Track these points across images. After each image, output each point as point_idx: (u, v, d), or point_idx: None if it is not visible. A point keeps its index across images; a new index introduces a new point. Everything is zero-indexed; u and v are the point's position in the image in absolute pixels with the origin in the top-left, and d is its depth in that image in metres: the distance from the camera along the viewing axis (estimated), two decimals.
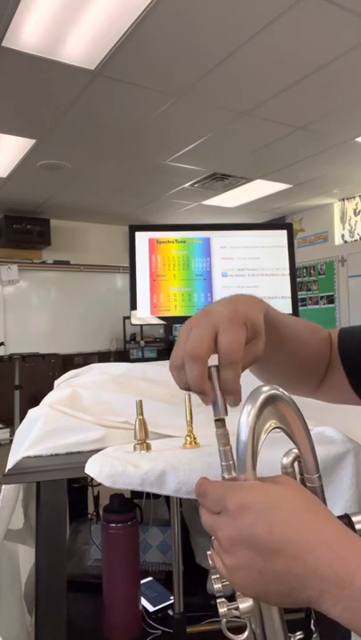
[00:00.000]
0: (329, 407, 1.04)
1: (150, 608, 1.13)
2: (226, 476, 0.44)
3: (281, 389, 0.44)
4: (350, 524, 0.41)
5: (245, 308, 0.49)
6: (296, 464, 0.45)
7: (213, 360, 0.46)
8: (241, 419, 0.42)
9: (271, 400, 0.43)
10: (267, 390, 0.43)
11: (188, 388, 0.47)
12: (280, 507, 0.38)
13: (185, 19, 2.46)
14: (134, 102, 3.33)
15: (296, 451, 0.45)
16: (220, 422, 0.46)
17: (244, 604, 0.42)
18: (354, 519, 0.42)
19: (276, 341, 0.58)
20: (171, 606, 1.13)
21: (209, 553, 0.43)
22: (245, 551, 0.37)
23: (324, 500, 0.45)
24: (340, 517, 0.42)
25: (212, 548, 0.42)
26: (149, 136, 3.92)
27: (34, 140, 3.93)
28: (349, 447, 0.77)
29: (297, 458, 0.45)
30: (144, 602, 1.14)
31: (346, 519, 0.42)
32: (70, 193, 5.43)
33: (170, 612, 1.11)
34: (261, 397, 0.43)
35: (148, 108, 3.42)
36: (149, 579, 1.24)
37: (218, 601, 0.43)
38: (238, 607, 0.42)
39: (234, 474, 0.44)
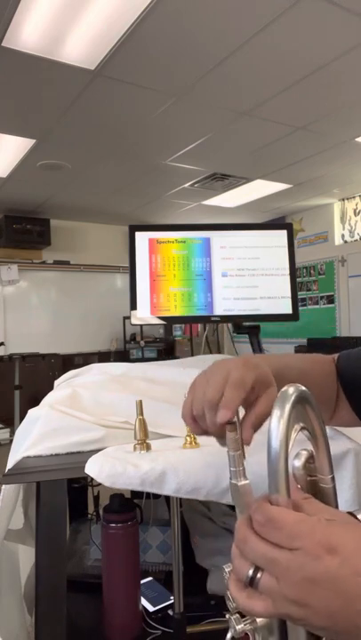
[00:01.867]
0: None
1: (150, 608, 1.13)
2: (236, 483, 0.43)
3: (305, 388, 0.44)
4: None
5: (256, 359, 0.56)
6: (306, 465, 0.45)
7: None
8: (271, 424, 0.41)
9: (300, 402, 0.43)
10: (294, 392, 0.42)
11: (205, 434, 0.52)
12: None
13: (185, 19, 2.46)
14: (134, 102, 3.33)
15: (305, 452, 0.45)
16: (231, 426, 0.46)
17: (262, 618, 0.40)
18: (359, 517, 0.41)
19: (283, 383, 0.61)
20: (171, 606, 1.13)
21: (238, 591, 0.40)
22: (325, 593, 0.36)
23: (336, 502, 0.45)
24: None
25: (239, 586, 0.40)
26: (149, 136, 3.92)
27: (34, 140, 3.93)
28: (349, 447, 0.77)
29: (309, 459, 0.44)
30: (144, 602, 1.14)
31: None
32: (70, 193, 5.43)
33: (170, 612, 1.11)
34: (290, 402, 0.42)
35: (148, 108, 3.42)
36: (149, 579, 1.24)
37: (232, 617, 0.42)
38: (255, 621, 0.41)
39: (243, 480, 0.43)
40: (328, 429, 0.84)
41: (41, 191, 5.31)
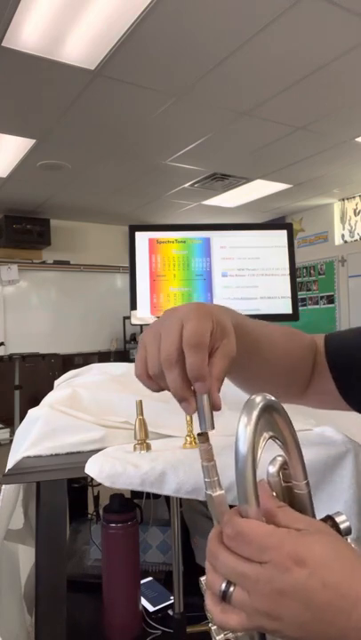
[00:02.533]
0: None
1: (150, 608, 1.13)
2: (211, 494, 0.43)
3: (272, 397, 0.43)
4: (335, 525, 0.41)
5: (210, 307, 0.49)
6: (281, 471, 0.45)
7: None
8: (238, 432, 0.40)
9: (267, 410, 0.42)
10: (261, 401, 0.42)
11: (161, 390, 0.47)
12: (333, 560, 0.37)
13: (185, 19, 2.46)
14: (134, 102, 3.33)
15: (280, 458, 0.44)
16: (203, 437, 0.44)
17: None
18: (337, 519, 0.41)
19: (251, 348, 0.57)
20: (171, 606, 1.13)
21: (214, 606, 0.40)
22: (295, 604, 0.36)
23: (312, 508, 0.44)
24: (322, 519, 0.41)
25: (215, 600, 0.40)
26: (149, 136, 3.92)
27: (34, 140, 3.93)
28: (349, 447, 0.77)
29: (283, 465, 0.44)
30: (144, 602, 1.14)
31: (330, 521, 0.41)
32: (70, 193, 5.43)
33: (170, 612, 1.11)
34: (257, 410, 0.41)
35: (148, 108, 3.42)
36: (149, 579, 1.24)
37: (212, 627, 0.42)
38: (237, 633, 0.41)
39: (218, 491, 0.43)
40: (329, 429, 0.84)
41: (41, 191, 5.31)
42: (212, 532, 0.42)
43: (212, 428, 0.44)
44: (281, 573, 0.36)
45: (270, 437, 0.43)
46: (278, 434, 0.43)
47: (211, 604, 0.40)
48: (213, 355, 0.47)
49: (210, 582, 0.40)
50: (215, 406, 0.46)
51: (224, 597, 0.39)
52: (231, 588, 0.38)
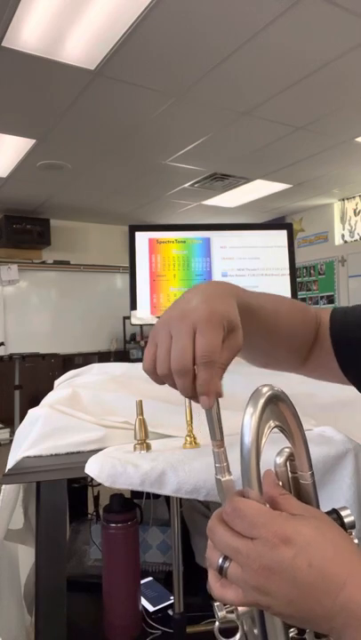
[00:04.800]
0: (329, 407, 1.04)
1: (150, 608, 1.13)
2: (220, 478, 0.45)
3: (280, 389, 0.45)
4: (340, 519, 0.42)
5: (222, 307, 0.49)
6: (288, 463, 0.46)
7: None
8: (244, 420, 0.43)
9: (272, 400, 0.44)
10: (267, 391, 0.44)
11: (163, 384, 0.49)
12: (321, 542, 0.39)
13: (185, 19, 2.46)
14: (134, 102, 3.33)
15: (288, 450, 0.46)
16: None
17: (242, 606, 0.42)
18: (342, 513, 0.43)
19: (254, 325, 0.58)
20: (171, 606, 1.13)
21: (214, 581, 0.42)
22: (282, 581, 0.38)
23: (316, 498, 0.45)
24: (328, 513, 0.43)
25: (216, 576, 0.42)
26: (149, 136, 3.92)
27: (34, 140, 3.93)
28: (349, 447, 0.77)
29: (290, 456, 0.46)
30: (144, 602, 1.14)
31: (335, 514, 0.43)
32: (70, 193, 5.43)
33: (170, 612, 1.11)
34: (263, 399, 0.43)
35: (148, 108, 3.42)
36: (149, 579, 1.24)
37: (215, 604, 0.44)
38: (237, 609, 0.43)
39: (227, 476, 0.44)
40: (329, 429, 0.84)
41: (41, 191, 5.31)
42: (215, 511, 0.44)
43: (221, 438, 0.46)
44: (269, 550, 0.38)
45: (276, 427, 0.45)
46: (284, 423, 0.45)
47: (212, 581, 0.42)
48: (221, 345, 0.48)
49: (209, 558, 0.42)
50: (217, 393, 0.47)
51: (220, 571, 0.41)
52: (227, 563, 0.41)
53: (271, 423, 0.44)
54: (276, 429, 0.45)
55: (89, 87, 3.10)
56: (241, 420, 0.43)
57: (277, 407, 0.44)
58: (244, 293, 0.58)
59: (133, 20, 2.45)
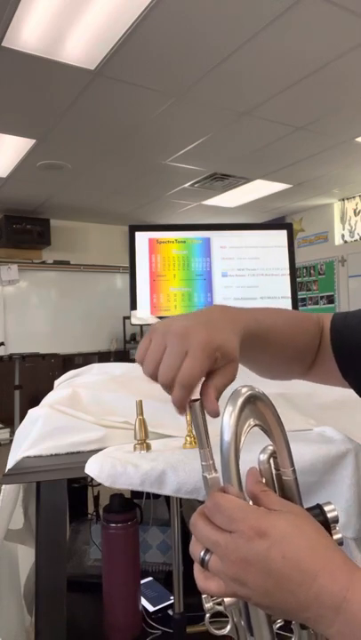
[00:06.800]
0: (329, 407, 1.04)
1: (150, 608, 1.13)
2: (207, 475, 0.46)
3: (259, 389, 0.46)
4: (323, 514, 0.43)
5: (221, 338, 0.51)
6: (272, 460, 0.47)
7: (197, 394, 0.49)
8: (223, 419, 0.44)
9: (251, 400, 0.46)
10: (246, 391, 0.46)
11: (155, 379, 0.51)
12: (296, 535, 0.40)
13: (185, 19, 2.46)
14: (134, 102, 3.33)
15: (271, 447, 0.47)
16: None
17: (229, 598, 0.44)
18: (326, 508, 0.44)
19: (257, 345, 0.60)
20: (171, 606, 1.13)
21: (198, 573, 0.44)
22: (257, 573, 0.39)
23: (298, 494, 0.46)
24: (310, 508, 0.44)
25: (200, 568, 0.44)
26: (149, 136, 3.92)
27: (34, 140, 3.93)
28: (349, 447, 0.77)
29: (273, 454, 0.47)
30: (144, 602, 1.14)
31: (317, 509, 0.44)
32: (70, 193, 5.43)
33: (170, 612, 1.11)
34: (241, 399, 0.45)
35: (148, 108, 3.42)
36: (149, 579, 1.24)
37: (203, 596, 0.46)
38: (223, 601, 0.44)
39: (213, 473, 0.46)
40: (329, 429, 0.84)
41: (41, 191, 5.31)
42: (198, 507, 0.45)
43: (206, 439, 0.47)
44: (245, 542, 0.40)
45: (256, 425, 0.46)
46: (264, 422, 0.47)
47: (196, 573, 0.44)
48: (216, 372, 0.50)
49: (192, 551, 0.44)
50: (211, 413, 0.48)
51: (202, 564, 0.43)
52: (208, 556, 0.42)
53: (251, 422, 0.46)
54: (257, 428, 0.47)
55: (89, 87, 3.10)
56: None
57: (256, 407, 0.46)
58: (255, 323, 0.60)
59: (133, 20, 2.45)
